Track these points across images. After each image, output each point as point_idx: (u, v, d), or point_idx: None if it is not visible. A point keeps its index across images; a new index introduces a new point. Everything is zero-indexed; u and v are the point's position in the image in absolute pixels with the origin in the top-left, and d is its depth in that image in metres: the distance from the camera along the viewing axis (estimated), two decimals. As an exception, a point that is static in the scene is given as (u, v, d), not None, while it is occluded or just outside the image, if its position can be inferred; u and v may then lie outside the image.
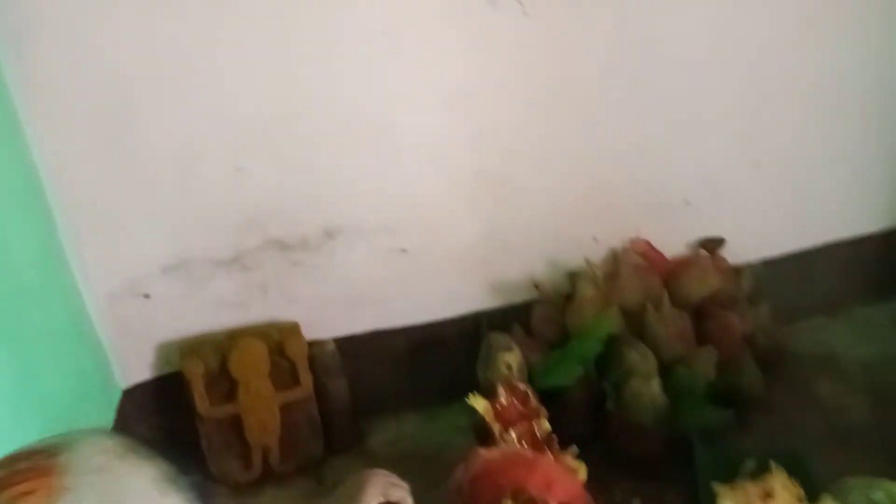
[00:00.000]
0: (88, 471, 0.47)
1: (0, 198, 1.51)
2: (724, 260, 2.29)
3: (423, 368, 2.23)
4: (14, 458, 0.47)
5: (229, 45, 1.75)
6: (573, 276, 2.17)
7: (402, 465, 2.16)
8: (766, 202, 2.35)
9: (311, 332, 2.07)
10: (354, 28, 1.81)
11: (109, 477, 0.48)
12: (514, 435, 1.82)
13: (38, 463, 0.47)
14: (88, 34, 1.65)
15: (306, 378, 2.05)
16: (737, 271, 2.29)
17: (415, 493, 2.07)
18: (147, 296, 1.93)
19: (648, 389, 1.96)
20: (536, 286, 2.17)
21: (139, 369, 2.01)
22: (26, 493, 0.43)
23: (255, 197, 1.90)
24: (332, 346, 2.10)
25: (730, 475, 1.78)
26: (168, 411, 2.05)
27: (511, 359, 1.98)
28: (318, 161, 1.91)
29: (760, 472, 1.74)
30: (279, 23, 1.75)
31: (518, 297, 2.21)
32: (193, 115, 1.78)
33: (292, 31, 1.77)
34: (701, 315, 2.20)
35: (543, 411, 1.88)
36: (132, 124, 1.76)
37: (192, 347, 1.97)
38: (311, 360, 2.07)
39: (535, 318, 2.17)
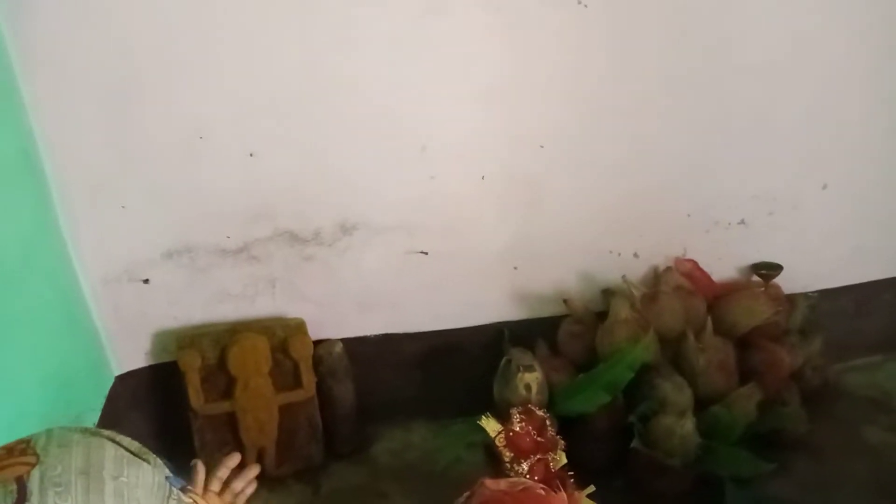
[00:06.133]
0: (56, 446, 0.50)
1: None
2: (778, 288, 2.09)
3: (436, 377, 2.08)
4: None
5: (245, 20, 1.59)
6: (607, 294, 2.00)
7: (404, 478, 2.06)
8: (830, 228, 2.14)
9: (318, 332, 1.94)
10: (386, 8, 1.64)
11: (75, 450, 0.50)
12: (525, 466, 1.67)
13: (13, 447, 0.51)
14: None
15: (309, 379, 1.92)
16: (791, 301, 2.09)
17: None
18: (146, 281, 1.81)
19: (681, 427, 1.78)
20: (566, 301, 2.00)
21: (134, 356, 1.90)
22: (2, 469, 0.47)
23: (267, 184, 1.76)
24: (339, 348, 1.97)
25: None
26: (162, 402, 1.94)
27: (531, 379, 1.82)
28: (337, 151, 1.76)
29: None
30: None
31: (545, 311, 2.05)
32: (204, 93, 1.64)
33: (314, 7, 1.61)
34: (746, 346, 2.02)
35: (561, 443, 1.72)
36: (138, 96, 1.62)
37: (191, 338, 1.85)
38: (317, 361, 1.94)
39: (561, 335, 2.01)
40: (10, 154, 1.50)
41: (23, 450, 0.51)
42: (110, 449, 0.54)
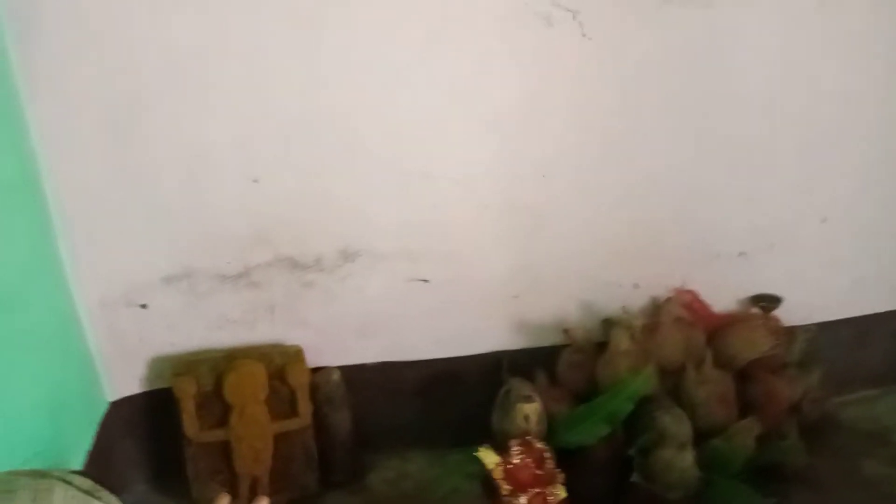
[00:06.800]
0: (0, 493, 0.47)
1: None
2: (777, 320, 2.08)
3: (434, 406, 2.07)
4: None
5: (249, 47, 1.60)
6: (608, 324, 1.98)
7: (399, 508, 2.05)
8: (830, 260, 2.15)
9: (317, 359, 1.92)
10: (390, 36, 1.66)
11: (20, 495, 0.47)
12: (523, 500, 1.65)
13: None
14: (98, 21, 1.52)
15: (305, 408, 1.89)
16: (790, 333, 2.08)
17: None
18: (144, 306, 1.79)
19: (680, 461, 1.76)
20: (566, 331, 1.99)
21: (129, 382, 1.87)
22: None
23: (269, 210, 1.76)
24: (337, 376, 1.94)
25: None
26: (156, 429, 1.91)
27: (530, 410, 1.80)
28: (339, 177, 1.76)
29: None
30: (306, 24, 1.61)
31: (545, 341, 2.03)
32: (208, 119, 1.64)
33: (319, 34, 1.62)
34: (746, 379, 2.00)
35: (560, 476, 1.70)
36: (141, 120, 1.62)
37: (187, 365, 1.82)
38: (314, 389, 1.92)
39: (561, 365, 1.99)
40: (9, 175, 1.48)
41: None
42: (59, 491, 0.52)
